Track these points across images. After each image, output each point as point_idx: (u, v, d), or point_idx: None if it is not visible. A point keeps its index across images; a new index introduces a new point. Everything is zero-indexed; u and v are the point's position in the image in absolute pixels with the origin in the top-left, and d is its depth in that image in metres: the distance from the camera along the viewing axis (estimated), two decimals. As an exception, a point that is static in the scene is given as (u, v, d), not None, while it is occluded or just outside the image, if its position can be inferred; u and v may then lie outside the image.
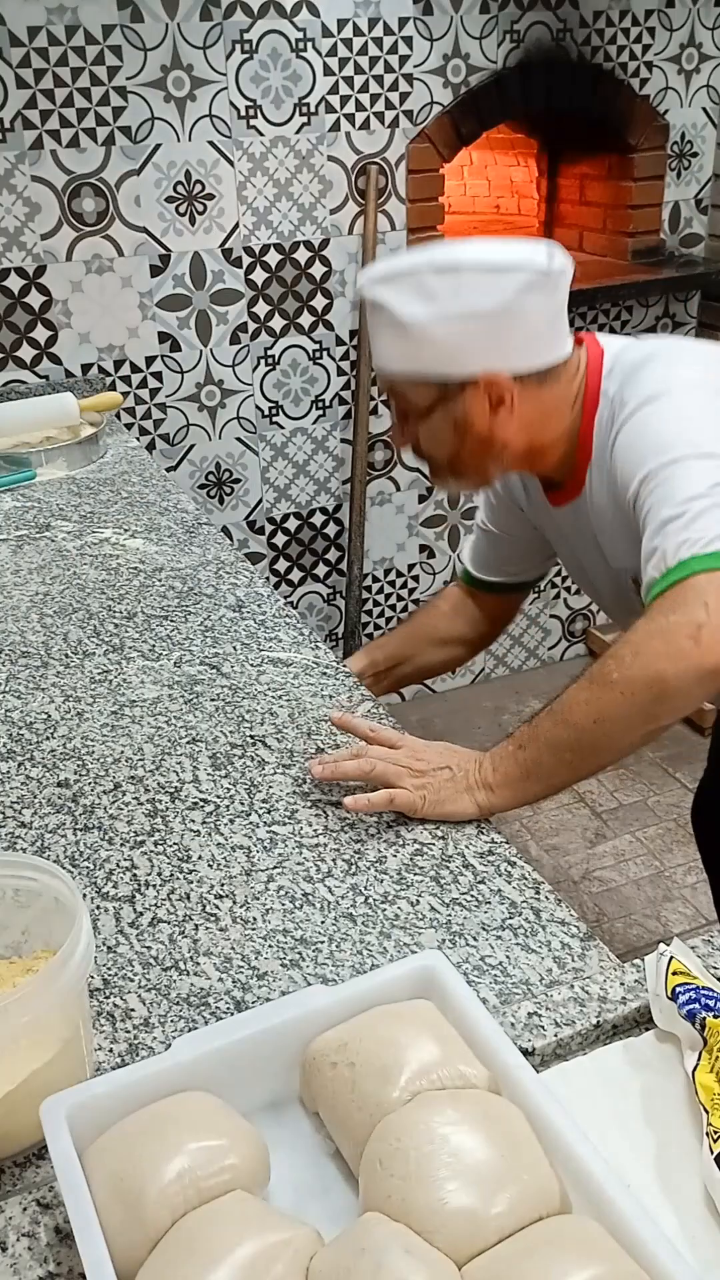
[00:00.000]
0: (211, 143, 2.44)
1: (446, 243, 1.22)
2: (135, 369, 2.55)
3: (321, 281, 2.66)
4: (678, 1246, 0.58)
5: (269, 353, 2.68)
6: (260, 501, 2.81)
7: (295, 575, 2.94)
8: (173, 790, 1.10)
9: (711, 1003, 0.73)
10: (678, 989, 0.75)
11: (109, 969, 0.88)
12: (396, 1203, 0.60)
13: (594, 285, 2.74)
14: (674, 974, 0.76)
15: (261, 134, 2.48)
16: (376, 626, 3.07)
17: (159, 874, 0.99)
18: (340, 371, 2.76)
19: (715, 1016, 0.72)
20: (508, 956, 0.88)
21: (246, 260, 2.57)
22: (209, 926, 0.92)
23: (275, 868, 0.99)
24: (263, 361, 2.68)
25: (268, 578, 2.75)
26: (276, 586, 2.90)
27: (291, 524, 2.88)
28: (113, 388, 2.52)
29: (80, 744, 1.19)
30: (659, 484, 1.08)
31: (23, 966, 0.81)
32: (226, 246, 2.54)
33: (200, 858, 1.01)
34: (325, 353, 2.73)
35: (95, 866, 1.00)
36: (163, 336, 2.56)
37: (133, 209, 2.43)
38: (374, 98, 2.55)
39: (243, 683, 1.29)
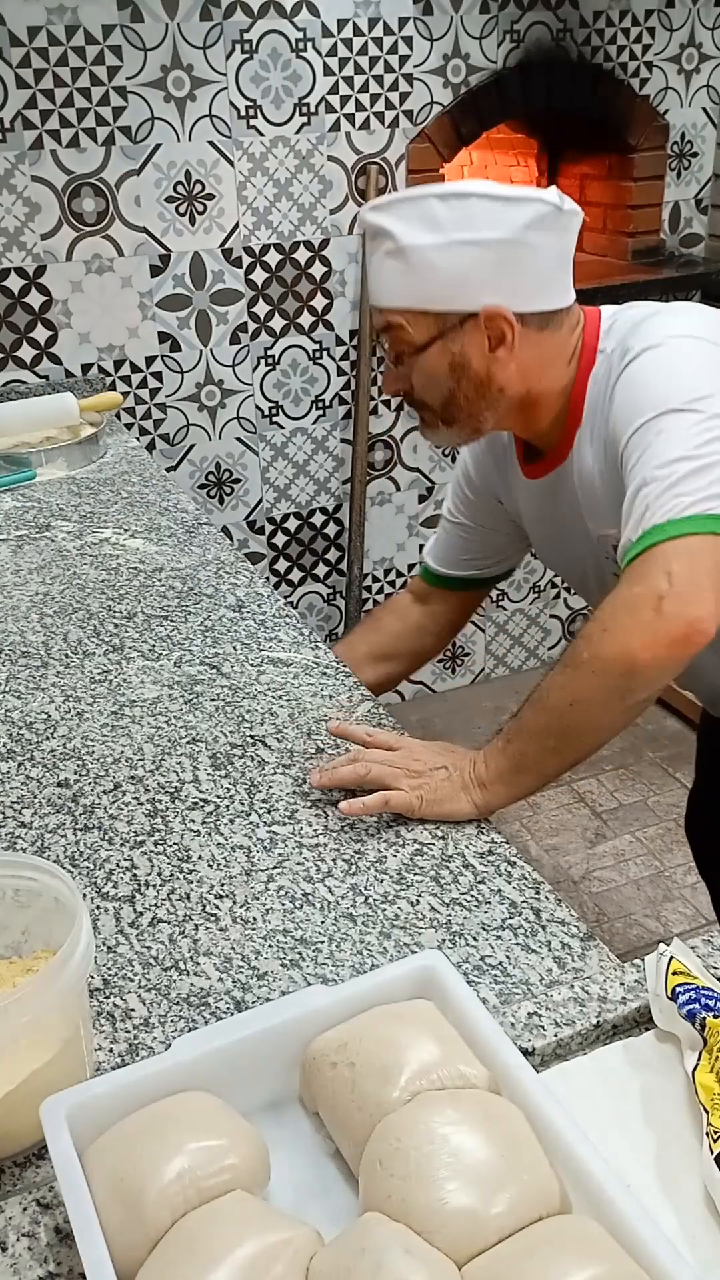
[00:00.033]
0: (211, 143, 2.45)
1: (457, 181, 1.19)
2: (135, 369, 2.55)
3: (321, 281, 2.66)
4: (678, 1246, 0.58)
5: (269, 353, 2.68)
6: (260, 501, 2.81)
7: (295, 575, 2.94)
8: (173, 790, 1.10)
9: (711, 1003, 0.73)
10: (678, 989, 0.75)
11: (109, 969, 0.88)
12: (396, 1203, 0.60)
13: (594, 285, 2.74)
14: (674, 974, 0.76)
15: (261, 134, 2.48)
16: (376, 626, 3.07)
17: (159, 874, 0.99)
18: (340, 371, 2.76)
19: (715, 1016, 0.72)
20: (508, 956, 0.88)
21: (246, 260, 2.57)
22: (209, 926, 0.92)
23: (275, 868, 0.99)
24: (263, 361, 2.68)
25: (268, 578, 2.75)
26: (276, 586, 2.90)
27: (291, 524, 2.88)
28: (113, 388, 2.52)
29: (80, 744, 1.19)
30: (647, 440, 1.05)
31: (23, 966, 0.81)
32: (226, 246, 2.54)
33: (200, 858, 1.01)
34: (325, 353, 2.73)
35: (95, 866, 1.00)
36: (163, 336, 2.56)
37: (133, 209, 2.43)
38: (374, 98, 2.55)
39: (243, 683, 1.29)
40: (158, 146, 2.40)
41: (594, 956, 0.87)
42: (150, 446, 2.62)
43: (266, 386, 2.70)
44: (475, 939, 0.90)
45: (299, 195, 2.56)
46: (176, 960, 0.89)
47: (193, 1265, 0.57)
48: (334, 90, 2.51)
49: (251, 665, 1.32)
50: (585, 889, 2.48)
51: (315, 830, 1.04)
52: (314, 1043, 0.71)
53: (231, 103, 2.43)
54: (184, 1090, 0.68)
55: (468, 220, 1.11)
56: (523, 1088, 0.66)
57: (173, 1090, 0.68)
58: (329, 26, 2.45)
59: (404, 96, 2.58)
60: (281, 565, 2.91)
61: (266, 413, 2.73)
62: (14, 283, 2.39)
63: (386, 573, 3.03)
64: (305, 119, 2.51)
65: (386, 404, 2.84)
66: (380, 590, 3.04)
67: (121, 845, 1.03)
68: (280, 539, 2.88)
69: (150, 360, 2.56)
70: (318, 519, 2.90)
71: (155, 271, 2.50)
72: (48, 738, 1.20)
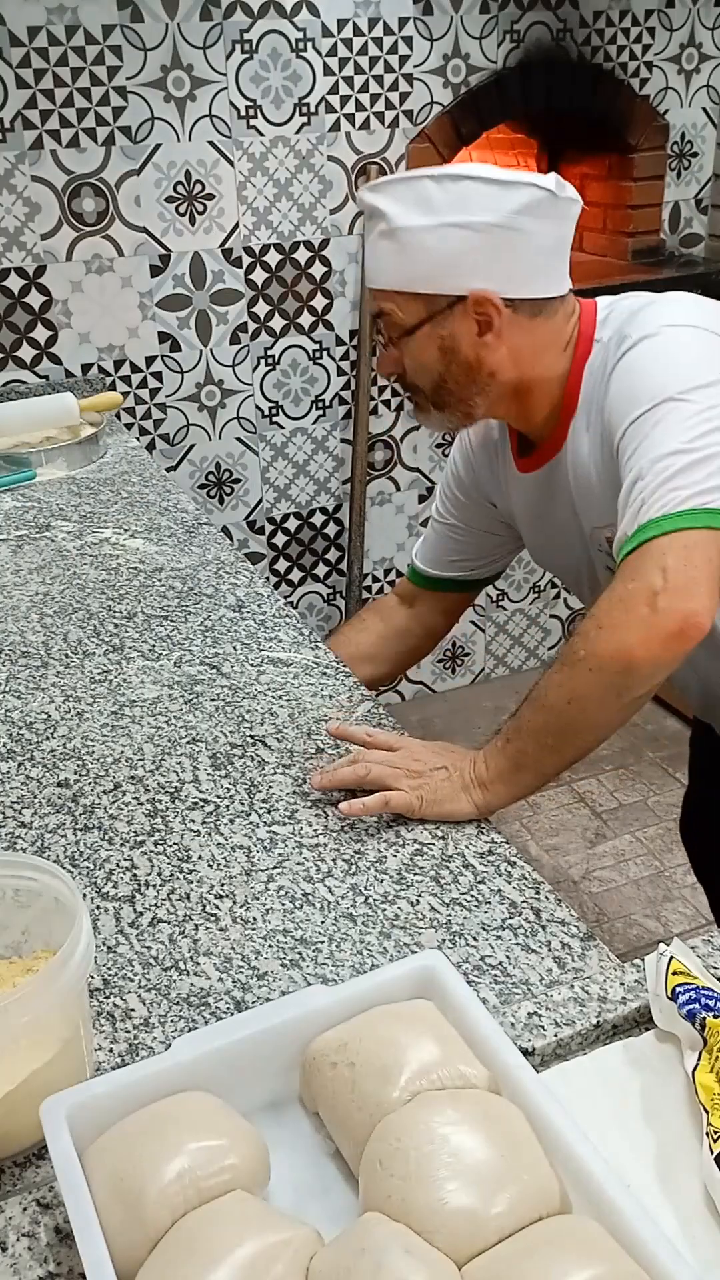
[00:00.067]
0: (211, 143, 2.45)
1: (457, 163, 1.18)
2: (135, 369, 2.55)
3: (321, 281, 2.66)
4: (678, 1246, 0.58)
5: (269, 353, 2.68)
6: (260, 501, 2.81)
7: (295, 575, 2.94)
8: (173, 790, 1.10)
9: (711, 1003, 0.73)
10: (678, 989, 0.75)
11: (109, 969, 0.88)
12: (396, 1203, 0.60)
13: (594, 285, 2.74)
14: (674, 974, 0.76)
15: (261, 134, 2.48)
16: (376, 626, 3.07)
17: (159, 874, 0.99)
18: (340, 371, 2.76)
19: (715, 1016, 0.72)
20: (508, 956, 0.88)
21: (246, 260, 2.57)
22: (209, 926, 0.92)
23: (275, 868, 0.99)
24: (263, 361, 2.68)
25: (268, 578, 2.75)
26: (276, 586, 2.90)
27: (291, 524, 2.88)
28: (113, 388, 2.52)
29: (80, 744, 1.19)
30: (644, 432, 1.04)
31: (23, 966, 0.81)
32: (226, 246, 2.54)
33: (200, 858, 1.01)
34: (325, 353, 2.73)
35: (95, 866, 1.00)
36: (163, 336, 2.56)
37: (133, 209, 2.43)
38: (374, 98, 2.55)
39: (243, 683, 1.29)
40: (158, 146, 2.40)
41: (594, 956, 0.87)
42: (150, 446, 2.62)
43: (266, 386, 2.70)
44: (475, 939, 0.90)
45: (299, 195, 2.56)
46: (176, 960, 0.89)
47: (193, 1265, 0.57)
48: (334, 90, 2.51)
49: (251, 665, 1.32)
50: (585, 889, 2.48)
51: (315, 830, 1.04)
52: (314, 1043, 0.71)
53: (231, 103, 2.43)
54: (184, 1090, 0.68)
55: (461, 203, 1.10)
56: (523, 1088, 0.66)
57: (173, 1090, 0.68)
58: (329, 26, 2.45)
59: (404, 96, 2.58)
60: (281, 565, 2.91)
61: (266, 413, 2.73)
62: (14, 283, 2.39)
63: (386, 573, 3.03)
64: (305, 119, 2.51)
65: (386, 404, 2.84)
66: (380, 590, 3.04)
67: (121, 845, 1.03)
68: (280, 539, 2.88)
69: (150, 360, 2.56)
70: (318, 519, 2.90)
71: (155, 271, 2.50)
72: (48, 738, 1.20)
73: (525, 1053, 0.74)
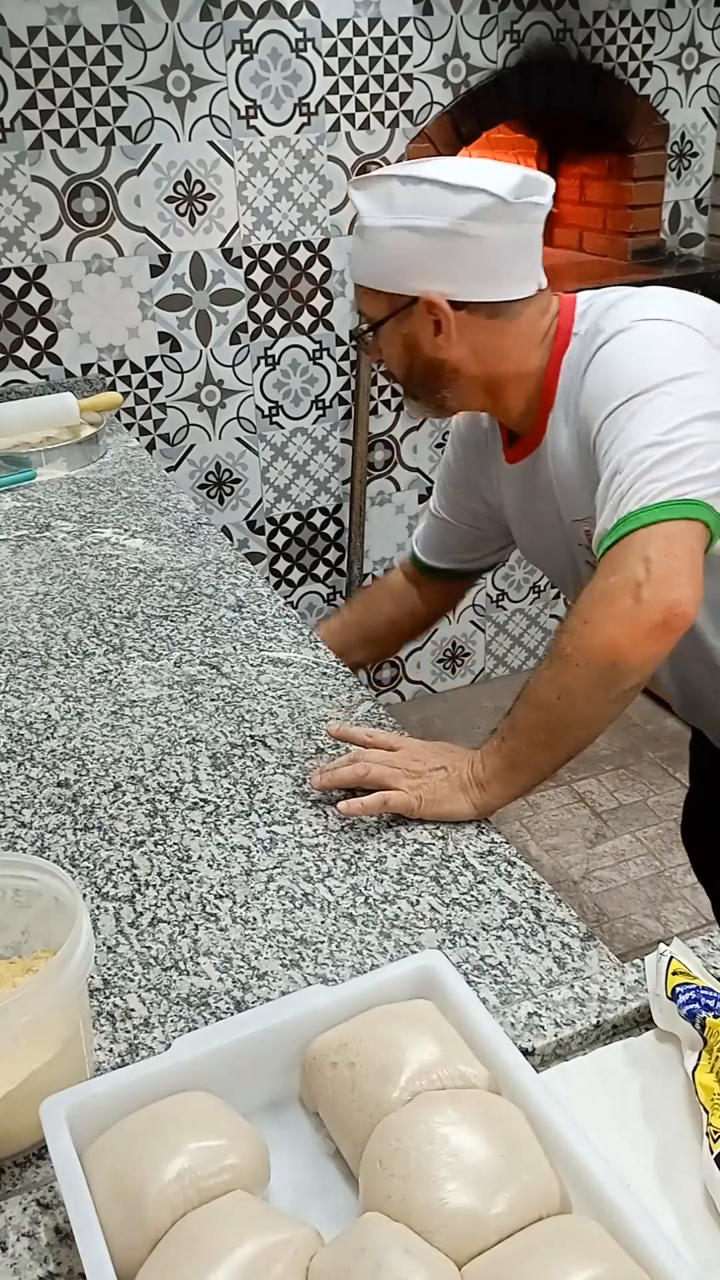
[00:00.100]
0: (211, 143, 2.45)
1: (446, 157, 1.20)
2: (135, 369, 2.55)
3: (321, 281, 2.66)
4: (678, 1246, 0.58)
5: (269, 353, 2.68)
6: (260, 501, 2.81)
7: (295, 575, 2.94)
8: (173, 790, 1.10)
9: (711, 1003, 0.73)
10: (678, 989, 0.75)
11: (109, 969, 0.88)
12: (396, 1203, 0.60)
13: (594, 285, 2.73)
14: (674, 974, 0.76)
15: (261, 134, 2.48)
16: (376, 626, 3.07)
17: (159, 874, 0.99)
18: (340, 371, 2.76)
19: (715, 1016, 0.72)
20: (508, 956, 0.88)
21: (246, 260, 2.57)
22: (209, 926, 0.92)
23: (275, 868, 0.99)
24: (263, 361, 2.68)
25: (268, 578, 2.75)
26: (276, 586, 2.90)
27: (291, 524, 2.88)
28: (113, 388, 2.52)
29: (80, 744, 1.19)
30: (620, 425, 1.05)
31: (23, 966, 0.81)
32: (226, 246, 2.54)
33: (200, 858, 1.01)
34: (325, 353, 2.73)
35: (95, 866, 1.00)
36: (163, 336, 2.56)
37: (133, 209, 2.43)
38: (374, 98, 2.55)
39: (243, 683, 1.29)
40: (158, 146, 2.40)
41: (594, 956, 0.87)
42: (150, 446, 2.62)
43: (266, 386, 2.70)
44: (475, 939, 0.90)
45: (299, 195, 2.56)
46: (176, 960, 0.89)
47: (193, 1265, 0.57)
48: (334, 90, 2.51)
49: (251, 665, 1.32)
50: (585, 889, 2.48)
51: (315, 830, 1.04)
52: (314, 1043, 0.71)
53: (231, 103, 2.43)
54: (184, 1090, 0.68)
55: (416, 205, 1.12)
56: (523, 1088, 0.66)
57: (173, 1090, 0.68)
58: (329, 26, 2.45)
59: (404, 96, 2.58)
60: (281, 565, 2.91)
61: (266, 413, 2.73)
62: (14, 283, 2.39)
63: (386, 573, 3.03)
64: (305, 119, 2.51)
65: (386, 404, 2.84)
66: (380, 590, 3.04)
67: (121, 845, 1.03)
68: (280, 539, 2.88)
69: (150, 360, 2.56)
70: (318, 519, 2.90)
71: (155, 271, 2.50)
72: (48, 738, 1.20)
73: (525, 1053, 0.74)
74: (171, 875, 0.99)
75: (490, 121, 2.71)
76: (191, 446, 2.68)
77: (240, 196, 2.51)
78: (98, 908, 0.95)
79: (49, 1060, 0.71)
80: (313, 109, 2.50)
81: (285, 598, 2.71)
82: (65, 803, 1.09)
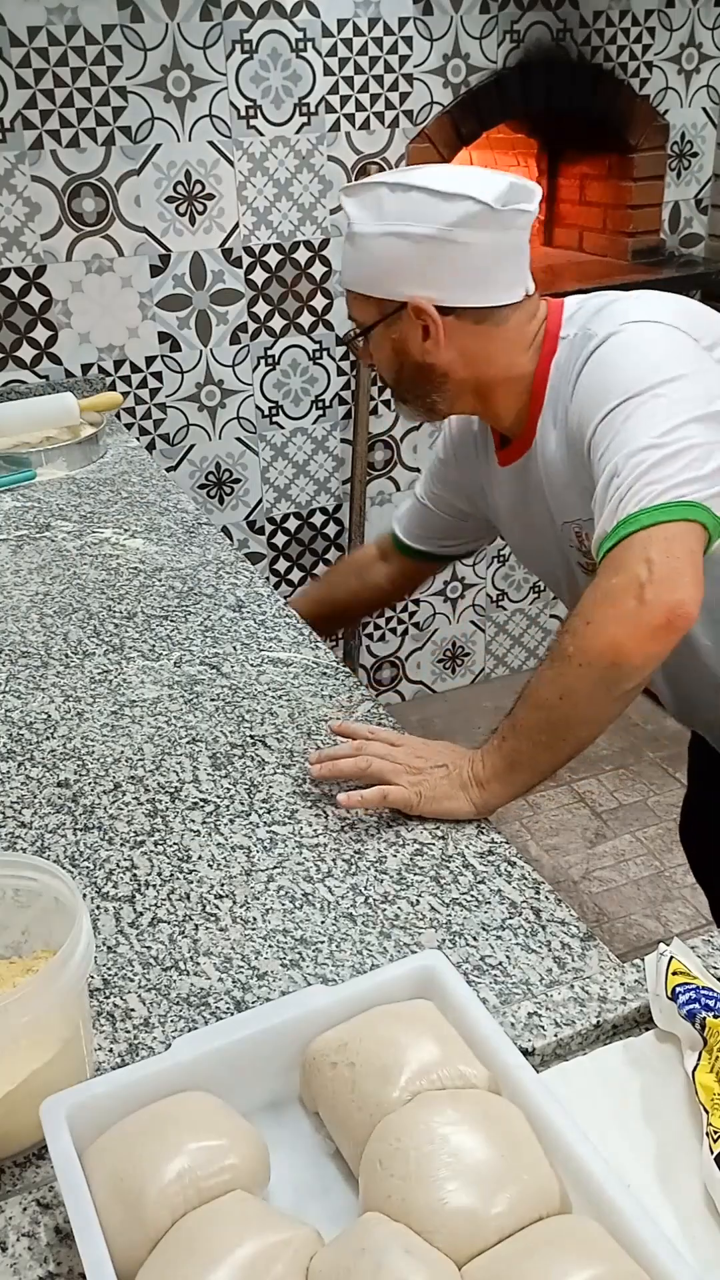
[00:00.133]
0: (211, 143, 2.44)
1: (435, 165, 1.21)
2: (135, 369, 2.55)
3: (321, 281, 2.66)
4: (678, 1246, 0.58)
5: (269, 353, 2.68)
6: (260, 501, 2.81)
7: (295, 575, 2.94)
8: (173, 790, 1.10)
9: (711, 1003, 0.73)
10: (678, 989, 0.75)
11: (109, 969, 0.88)
12: (396, 1203, 0.60)
13: (594, 285, 2.74)
14: (674, 974, 0.76)
15: (261, 134, 2.48)
16: (376, 626, 3.07)
17: (159, 874, 0.99)
18: (340, 371, 2.76)
19: (715, 1016, 0.72)
20: (508, 956, 0.88)
21: (246, 260, 2.57)
22: (209, 926, 0.92)
23: (275, 868, 0.99)
24: (263, 361, 2.68)
25: (268, 578, 2.75)
26: (276, 586, 2.90)
27: (291, 524, 2.88)
28: (113, 388, 2.52)
29: (80, 744, 1.19)
30: (614, 428, 1.05)
31: (23, 966, 0.81)
32: (226, 246, 2.54)
33: (200, 858, 1.01)
34: (325, 353, 2.73)
35: (95, 866, 1.00)
36: (163, 336, 2.56)
37: (133, 209, 2.43)
38: (374, 98, 2.55)
39: (243, 683, 1.29)
40: (158, 146, 2.40)
41: (594, 956, 0.87)
42: (150, 446, 2.62)
43: (266, 386, 2.71)
44: (475, 939, 0.90)
45: (299, 195, 2.56)
46: (176, 960, 0.89)
47: (193, 1265, 0.57)
48: (334, 90, 2.51)
49: (251, 665, 1.33)
50: (585, 889, 2.48)
51: (315, 830, 1.04)
52: (314, 1043, 0.71)
53: (231, 103, 2.43)
54: (184, 1090, 0.68)
55: (405, 212, 1.13)
56: (523, 1088, 0.66)
57: (173, 1090, 0.68)
58: (329, 26, 2.45)
59: (404, 96, 2.58)
60: (281, 565, 2.91)
61: (266, 413, 2.73)
62: (14, 283, 2.39)
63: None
64: (305, 119, 2.51)
65: (386, 404, 2.83)
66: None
67: (121, 845, 1.03)
68: (280, 539, 2.88)
69: (150, 360, 2.56)
70: (318, 519, 2.90)
71: (155, 271, 2.50)
72: (48, 738, 1.20)
73: (525, 1053, 0.74)
74: (171, 875, 0.99)
75: (490, 121, 2.71)
76: (191, 446, 2.68)
77: (240, 196, 2.51)
78: (98, 908, 0.95)
79: (49, 1060, 0.71)
80: (313, 109, 2.50)
81: (285, 598, 2.70)
82: (65, 803, 1.09)
